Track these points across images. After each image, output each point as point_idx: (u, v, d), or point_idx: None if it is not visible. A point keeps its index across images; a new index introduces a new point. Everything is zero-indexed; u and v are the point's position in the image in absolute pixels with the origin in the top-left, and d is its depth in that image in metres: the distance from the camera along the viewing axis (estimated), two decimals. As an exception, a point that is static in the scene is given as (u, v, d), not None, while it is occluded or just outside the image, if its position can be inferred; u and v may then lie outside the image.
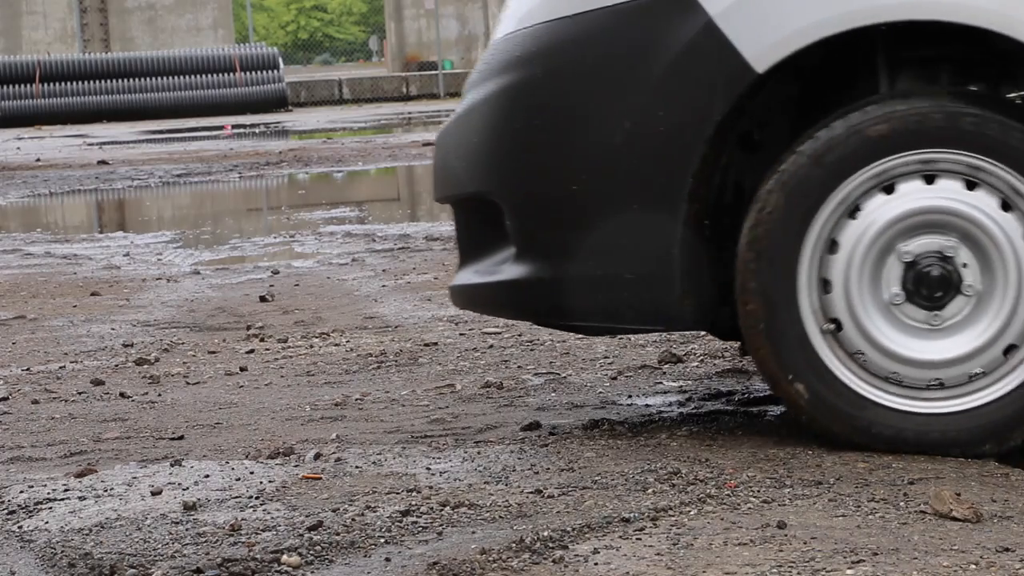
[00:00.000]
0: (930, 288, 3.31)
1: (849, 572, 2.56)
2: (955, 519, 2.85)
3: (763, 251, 3.34)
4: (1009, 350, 3.31)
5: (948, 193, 3.31)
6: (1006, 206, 3.31)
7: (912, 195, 3.32)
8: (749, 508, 2.95)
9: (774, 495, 3.03)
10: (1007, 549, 2.66)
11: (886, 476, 3.16)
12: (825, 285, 3.35)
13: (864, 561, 2.60)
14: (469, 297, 3.74)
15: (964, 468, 3.23)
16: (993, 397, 3.32)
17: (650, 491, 3.09)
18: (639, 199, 3.41)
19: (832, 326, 3.34)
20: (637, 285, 3.43)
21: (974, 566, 2.58)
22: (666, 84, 3.38)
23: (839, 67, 3.53)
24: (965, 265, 3.31)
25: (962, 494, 2.96)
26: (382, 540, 2.86)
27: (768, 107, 3.53)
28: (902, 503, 2.96)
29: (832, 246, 3.34)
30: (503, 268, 3.59)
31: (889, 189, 3.33)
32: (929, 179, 3.33)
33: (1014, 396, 3.31)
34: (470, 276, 3.70)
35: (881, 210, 3.32)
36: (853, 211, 3.34)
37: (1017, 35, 3.24)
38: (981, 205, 3.30)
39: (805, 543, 2.71)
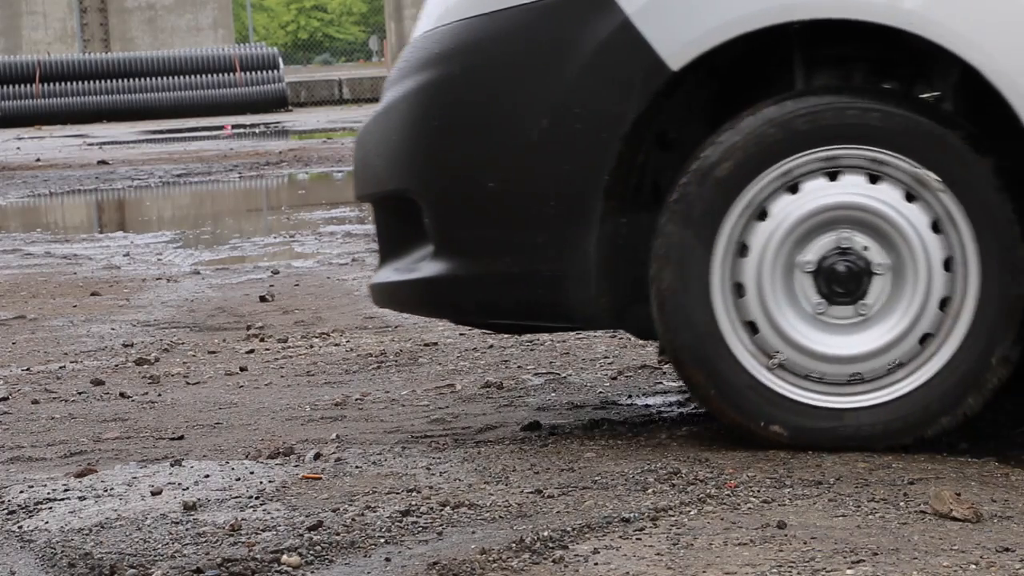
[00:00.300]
0: (842, 284, 3.33)
1: (849, 572, 2.56)
2: (955, 519, 2.84)
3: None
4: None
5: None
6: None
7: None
8: (749, 508, 2.95)
9: (774, 495, 3.03)
10: (1007, 549, 2.66)
11: (886, 476, 3.16)
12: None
13: (864, 561, 2.60)
14: (389, 295, 3.74)
15: (964, 468, 3.23)
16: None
17: (650, 491, 3.09)
18: (555, 197, 3.42)
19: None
20: (553, 283, 3.44)
21: (974, 566, 2.58)
22: (583, 82, 3.39)
23: (757, 65, 3.54)
24: (866, 248, 3.33)
25: (962, 494, 2.96)
26: (382, 540, 2.85)
27: (686, 105, 3.54)
28: (902, 503, 2.96)
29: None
30: (421, 266, 3.59)
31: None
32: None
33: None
34: (389, 274, 3.70)
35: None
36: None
37: (928, 35, 3.26)
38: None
39: (805, 543, 2.71)
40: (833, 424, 3.34)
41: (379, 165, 3.69)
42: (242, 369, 4.98)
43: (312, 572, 2.71)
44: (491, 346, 5.10)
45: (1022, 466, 3.26)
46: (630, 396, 4.34)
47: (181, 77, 28.34)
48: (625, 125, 3.37)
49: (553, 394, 4.31)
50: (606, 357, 4.88)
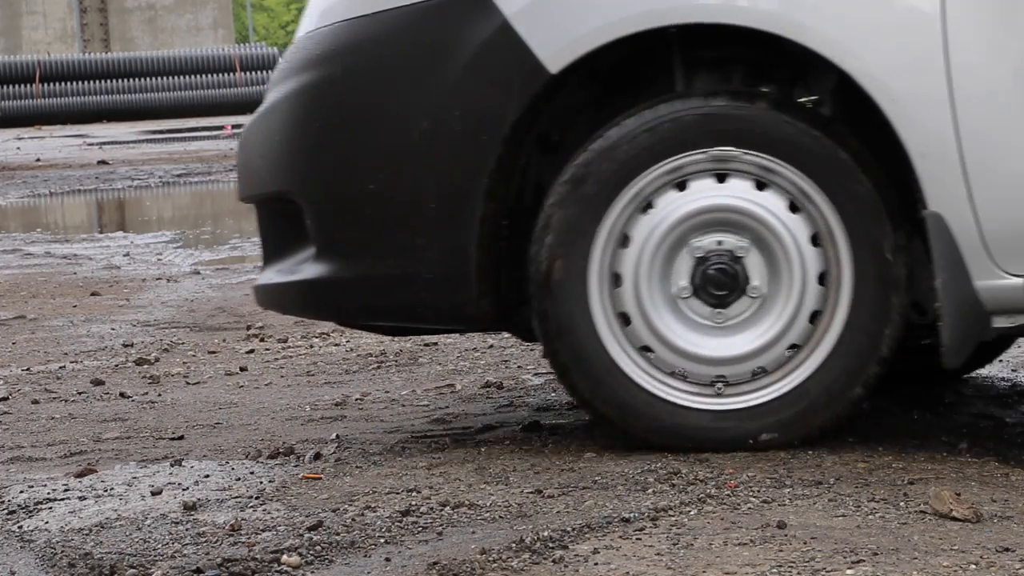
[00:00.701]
0: (717, 286, 3.34)
1: (849, 572, 2.56)
2: (955, 519, 2.84)
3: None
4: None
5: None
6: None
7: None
8: (749, 508, 2.95)
9: (774, 495, 3.03)
10: (1007, 549, 2.66)
11: (886, 476, 3.16)
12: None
13: (864, 561, 2.60)
14: (272, 297, 3.73)
15: (964, 468, 3.23)
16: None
17: (650, 491, 3.09)
18: (436, 199, 3.41)
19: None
20: (434, 285, 3.44)
21: (974, 566, 2.57)
22: (462, 84, 3.39)
23: (638, 68, 3.54)
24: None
25: (962, 494, 2.96)
26: (382, 540, 2.85)
27: (568, 108, 3.54)
28: (902, 503, 2.96)
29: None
30: (303, 267, 3.58)
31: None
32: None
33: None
34: (273, 276, 3.69)
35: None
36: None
37: (802, 40, 3.27)
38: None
39: (805, 543, 2.71)
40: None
41: (261, 166, 3.67)
42: (242, 369, 4.98)
43: (312, 572, 2.71)
44: (491, 346, 5.10)
45: (1022, 466, 3.26)
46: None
47: (181, 77, 28.37)
48: (505, 128, 3.37)
49: (553, 394, 4.31)
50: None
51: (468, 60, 3.38)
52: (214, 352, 5.35)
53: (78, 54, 30.43)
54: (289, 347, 5.35)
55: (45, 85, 27.47)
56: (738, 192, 3.34)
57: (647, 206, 3.37)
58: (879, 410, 3.97)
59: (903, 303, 3.33)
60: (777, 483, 3.12)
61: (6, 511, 3.30)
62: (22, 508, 3.32)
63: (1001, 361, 4.61)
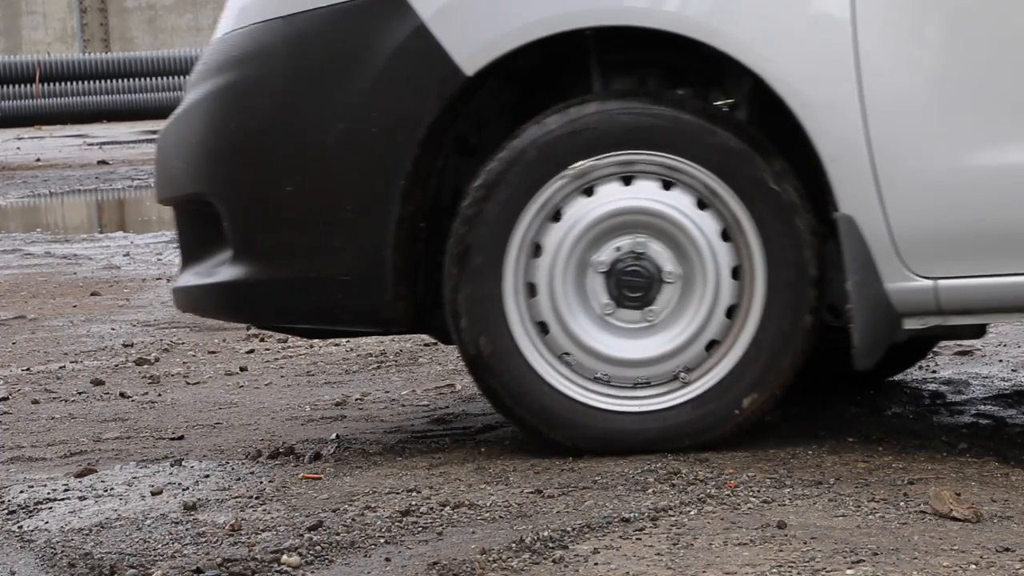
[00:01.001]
0: (632, 288, 3.35)
1: (849, 572, 2.56)
2: (955, 519, 2.84)
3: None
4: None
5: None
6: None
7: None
8: (749, 508, 2.95)
9: (774, 495, 3.03)
10: (1007, 549, 2.66)
11: (886, 476, 3.16)
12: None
13: (864, 561, 2.60)
14: (190, 299, 3.72)
15: (964, 468, 3.23)
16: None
17: (650, 491, 3.09)
18: (352, 201, 3.41)
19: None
20: (350, 287, 3.43)
21: (974, 566, 2.57)
22: (378, 86, 3.38)
23: (556, 70, 3.54)
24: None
25: (962, 494, 2.96)
26: (382, 540, 2.85)
27: (486, 110, 3.54)
28: (902, 503, 2.96)
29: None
30: (220, 270, 3.57)
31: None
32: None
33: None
34: (190, 278, 3.68)
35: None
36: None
37: (715, 42, 3.27)
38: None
39: (805, 543, 2.71)
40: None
41: (178, 168, 3.66)
42: (242, 369, 4.98)
43: (312, 572, 2.71)
44: (491, 346, 5.10)
45: (1022, 466, 3.25)
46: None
47: (181, 77, 28.34)
48: (421, 130, 3.36)
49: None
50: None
51: (384, 62, 3.37)
52: (214, 352, 5.35)
53: (78, 54, 30.43)
54: (289, 347, 5.35)
55: (45, 85, 27.46)
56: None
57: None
58: (879, 409, 3.97)
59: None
60: (777, 483, 3.12)
61: (6, 511, 3.30)
62: (22, 508, 3.32)
63: (1001, 361, 4.61)
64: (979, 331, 3.79)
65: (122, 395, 4.64)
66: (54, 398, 4.66)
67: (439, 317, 3.48)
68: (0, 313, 6.52)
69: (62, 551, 2.93)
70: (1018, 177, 3.20)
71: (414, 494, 3.15)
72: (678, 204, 3.33)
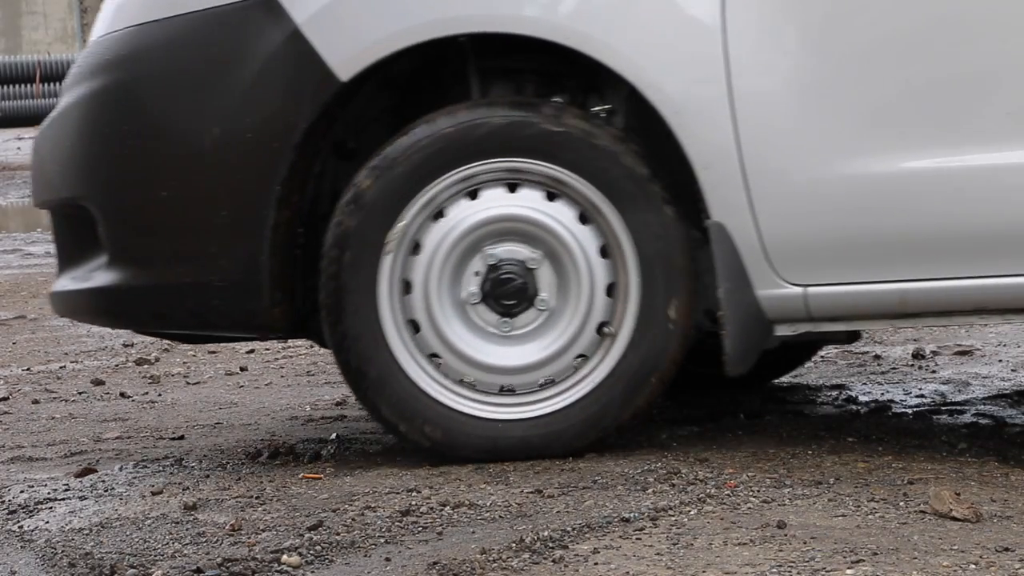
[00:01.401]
0: (505, 295, 3.34)
1: (849, 572, 2.56)
2: (955, 519, 2.84)
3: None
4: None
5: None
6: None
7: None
8: (749, 508, 2.95)
9: (774, 495, 3.03)
10: (1007, 549, 2.66)
11: (886, 476, 3.16)
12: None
13: (864, 561, 2.60)
14: (66, 304, 3.70)
15: (964, 468, 3.23)
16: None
17: (650, 491, 3.09)
18: (227, 206, 3.39)
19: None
20: (226, 292, 3.41)
21: (974, 566, 2.57)
22: (254, 91, 3.37)
23: (435, 76, 3.54)
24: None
25: (962, 494, 2.96)
26: (382, 540, 2.85)
27: (364, 115, 3.53)
28: (902, 503, 2.96)
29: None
30: (96, 275, 3.55)
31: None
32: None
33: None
34: (67, 283, 3.66)
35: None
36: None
37: (587, 49, 3.26)
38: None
39: (805, 543, 2.71)
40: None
41: (53, 172, 3.64)
42: (242, 369, 4.99)
43: (312, 572, 2.71)
44: (491, 346, 5.10)
45: (1022, 466, 3.25)
46: (630, 396, 4.33)
47: (181, 77, 28.30)
48: (296, 135, 3.35)
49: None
50: (606, 357, 4.87)
51: (259, 67, 3.36)
52: (214, 352, 5.35)
53: (78, 54, 30.44)
54: (289, 347, 5.35)
55: (45, 85, 27.45)
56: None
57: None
58: (879, 410, 3.97)
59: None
60: (777, 483, 3.12)
61: (6, 511, 3.30)
62: (22, 508, 3.32)
63: (1001, 361, 4.61)
64: (852, 336, 3.82)
65: (122, 395, 4.64)
66: (54, 398, 4.66)
67: (317, 322, 3.46)
68: (0, 313, 6.52)
69: (62, 551, 2.93)
70: (880, 185, 3.20)
71: (414, 494, 3.15)
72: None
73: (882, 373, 4.66)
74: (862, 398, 4.21)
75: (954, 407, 4.03)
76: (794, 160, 3.22)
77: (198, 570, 2.73)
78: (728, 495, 3.03)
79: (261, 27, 3.37)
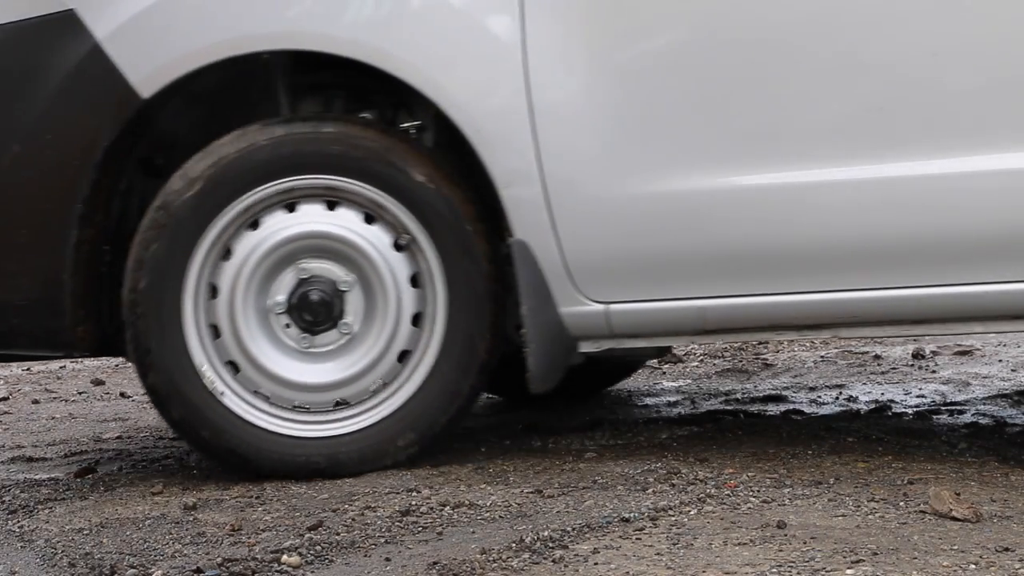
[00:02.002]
0: (311, 311, 3.33)
1: (849, 572, 2.56)
2: (955, 519, 2.85)
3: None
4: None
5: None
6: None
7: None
8: (749, 508, 2.95)
9: (774, 495, 3.03)
10: (1007, 549, 2.66)
11: (886, 476, 3.16)
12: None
13: (864, 561, 2.60)
14: None
15: (963, 468, 3.23)
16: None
17: (650, 491, 3.09)
18: (27, 225, 3.37)
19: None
20: (27, 312, 3.39)
21: (974, 566, 2.57)
22: (54, 108, 3.35)
23: (245, 91, 3.53)
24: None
25: (962, 494, 2.96)
26: (382, 540, 2.86)
27: (171, 132, 3.52)
28: (902, 503, 2.96)
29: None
30: None
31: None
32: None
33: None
34: None
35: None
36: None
37: (390, 68, 3.26)
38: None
39: (805, 543, 2.71)
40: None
41: None
42: (242, 369, 4.98)
43: (312, 572, 2.71)
44: (491, 346, 5.10)
45: (1022, 466, 3.26)
46: (630, 396, 4.34)
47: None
48: (98, 153, 3.34)
49: (552, 394, 4.31)
50: (606, 357, 4.87)
51: (60, 83, 3.34)
52: (214, 352, 5.35)
53: None
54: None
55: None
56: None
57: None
58: (879, 410, 3.97)
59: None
60: (777, 483, 3.12)
61: (6, 511, 3.30)
62: (22, 508, 3.32)
63: (1001, 361, 4.61)
64: (661, 351, 3.82)
65: (122, 395, 4.64)
66: (54, 398, 4.66)
67: (125, 339, 3.44)
68: (0, 313, 6.51)
69: (62, 551, 2.93)
70: (676, 203, 3.20)
71: (414, 494, 3.15)
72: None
73: (882, 373, 4.66)
74: (862, 398, 4.21)
75: (954, 407, 4.03)
76: (594, 178, 3.22)
77: (198, 570, 2.73)
78: (728, 495, 3.03)
79: (62, 42, 3.34)
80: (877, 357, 4.86)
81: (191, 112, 3.53)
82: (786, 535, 2.76)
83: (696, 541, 2.74)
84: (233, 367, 3.34)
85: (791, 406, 4.14)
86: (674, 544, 2.73)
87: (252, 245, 3.32)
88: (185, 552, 2.86)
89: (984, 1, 3.08)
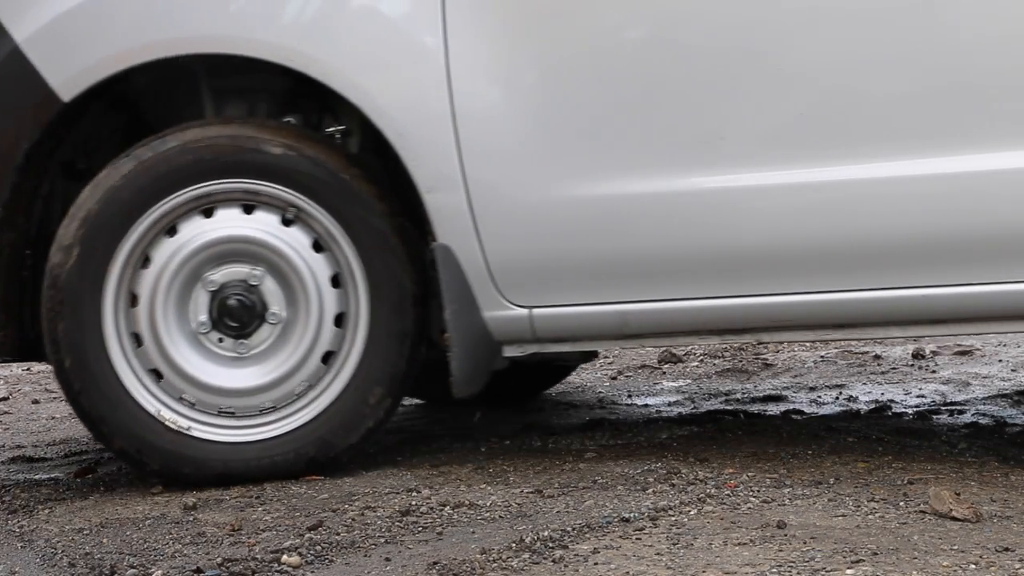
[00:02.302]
0: (234, 317, 3.32)
1: (849, 572, 2.56)
2: (955, 519, 2.85)
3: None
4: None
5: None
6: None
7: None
8: (749, 508, 2.95)
9: (774, 495, 3.03)
10: (1007, 549, 2.66)
11: (886, 476, 3.16)
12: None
13: (864, 561, 2.60)
14: None
15: (964, 468, 3.23)
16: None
17: (650, 491, 3.09)
18: None
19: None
20: None
21: (974, 566, 2.57)
22: None
23: (170, 95, 3.52)
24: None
25: (962, 494, 2.96)
26: (382, 540, 2.85)
27: (95, 135, 3.51)
28: (902, 503, 2.96)
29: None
30: None
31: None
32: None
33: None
34: None
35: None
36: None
37: (311, 72, 3.24)
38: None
39: (805, 543, 2.71)
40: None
41: None
42: (242, 369, 4.98)
43: (312, 572, 2.71)
44: (491, 346, 5.10)
45: (1022, 466, 3.26)
46: (630, 396, 4.34)
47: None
48: (18, 156, 3.32)
49: (553, 394, 4.31)
50: (606, 357, 4.88)
51: None
52: (214, 352, 5.34)
53: (78, 54, 30.41)
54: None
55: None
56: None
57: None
58: (879, 410, 3.97)
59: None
60: (777, 483, 3.12)
61: (6, 511, 3.30)
62: (22, 508, 3.32)
63: (1001, 361, 4.61)
64: (588, 356, 3.81)
65: (122, 395, 4.63)
66: (54, 398, 4.65)
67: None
68: (0, 313, 6.51)
69: (62, 551, 2.93)
70: (595, 208, 3.19)
71: (414, 494, 3.15)
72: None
73: (882, 373, 4.66)
74: (862, 398, 4.21)
75: (954, 407, 4.03)
76: (515, 182, 3.21)
77: (198, 570, 2.73)
78: (728, 495, 3.03)
79: None
80: (877, 357, 4.86)
81: (114, 116, 3.52)
82: (786, 535, 2.76)
83: (696, 541, 2.74)
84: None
85: (791, 406, 4.14)
86: (674, 544, 2.73)
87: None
88: (185, 552, 2.86)
89: (909, 13, 3.08)
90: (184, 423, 3.33)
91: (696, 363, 5.06)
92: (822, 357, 4.91)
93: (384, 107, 3.23)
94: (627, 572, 2.59)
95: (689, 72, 3.15)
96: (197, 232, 3.31)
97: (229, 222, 3.31)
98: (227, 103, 3.49)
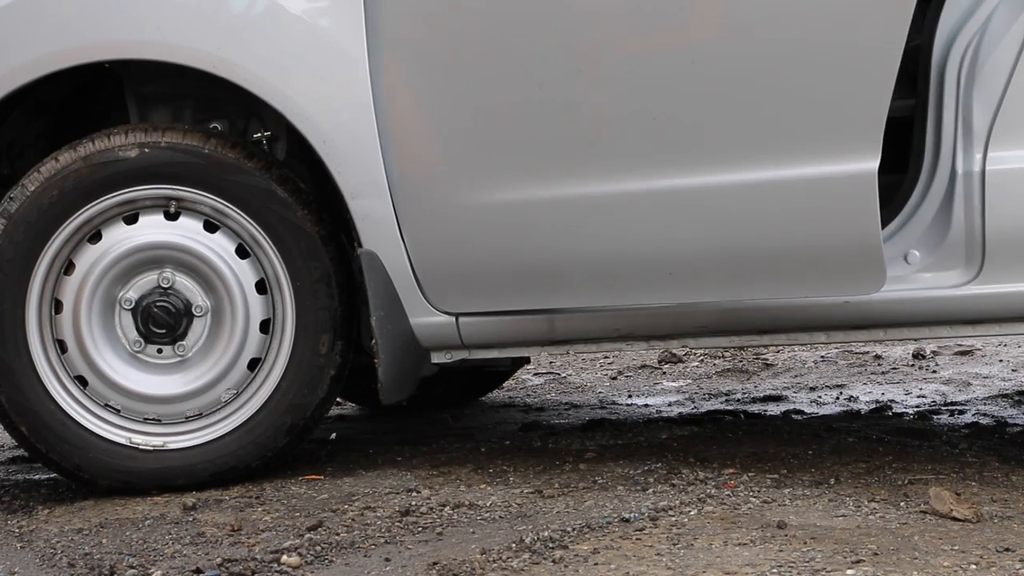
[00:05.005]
0: (160, 324, 3.31)
1: (849, 572, 2.56)
2: (955, 519, 2.85)
3: None
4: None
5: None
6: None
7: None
8: (749, 508, 2.95)
9: (774, 495, 3.03)
10: (1007, 549, 2.66)
11: (886, 476, 3.16)
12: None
13: (864, 561, 2.60)
14: None
15: (964, 468, 3.23)
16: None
17: (650, 491, 3.09)
18: None
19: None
20: None
21: (974, 566, 2.57)
22: None
23: (93, 100, 3.51)
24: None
25: (962, 494, 2.96)
26: (382, 540, 2.86)
27: (18, 140, 3.50)
28: (902, 503, 2.96)
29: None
30: None
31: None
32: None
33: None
34: None
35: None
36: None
37: (234, 77, 3.23)
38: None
39: (805, 543, 2.71)
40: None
41: None
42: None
43: (312, 572, 2.71)
44: (491, 346, 5.10)
45: (1022, 466, 3.26)
46: (630, 396, 4.34)
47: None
48: None
49: (553, 394, 4.31)
50: (606, 357, 4.88)
51: None
52: (214, 352, 5.35)
53: (78, 54, 30.40)
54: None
55: (45, 85, 27.50)
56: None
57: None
58: (880, 410, 3.97)
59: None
60: (777, 483, 3.12)
61: (6, 511, 3.30)
62: (22, 508, 3.32)
63: (1001, 361, 4.61)
64: (518, 362, 3.79)
65: (122, 395, 4.63)
66: (54, 398, 4.65)
67: None
68: None
69: (62, 551, 2.93)
70: (509, 215, 3.18)
71: (414, 494, 3.15)
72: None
73: (882, 373, 4.66)
74: (863, 398, 4.21)
75: (955, 407, 4.03)
76: (438, 189, 3.20)
77: (198, 570, 2.73)
78: (728, 495, 3.03)
79: None
80: (878, 357, 4.86)
81: (38, 121, 3.52)
82: (786, 535, 2.76)
83: (696, 541, 2.74)
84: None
85: (791, 406, 4.14)
86: (674, 544, 2.73)
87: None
88: (185, 552, 2.86)
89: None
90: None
91: (696, 363, 5.06)
92: (822, 357, 4.91)
93: (308, 114, 3.22)
94: (627, 572, 2.59)
95: (586, 83, 3.13)
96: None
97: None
98: (152, 109, 3.48)
